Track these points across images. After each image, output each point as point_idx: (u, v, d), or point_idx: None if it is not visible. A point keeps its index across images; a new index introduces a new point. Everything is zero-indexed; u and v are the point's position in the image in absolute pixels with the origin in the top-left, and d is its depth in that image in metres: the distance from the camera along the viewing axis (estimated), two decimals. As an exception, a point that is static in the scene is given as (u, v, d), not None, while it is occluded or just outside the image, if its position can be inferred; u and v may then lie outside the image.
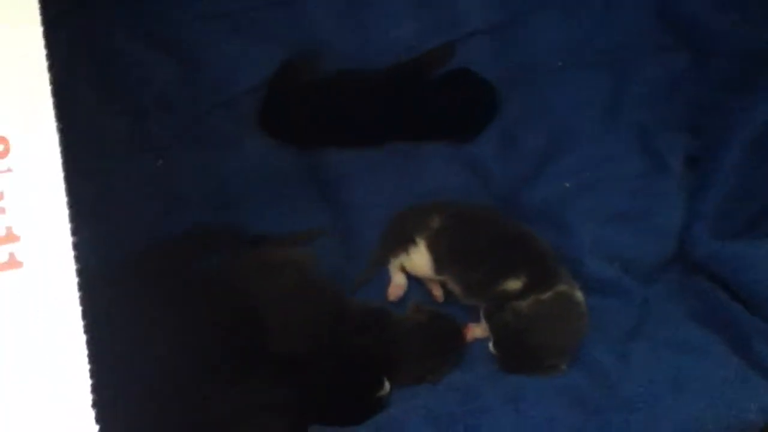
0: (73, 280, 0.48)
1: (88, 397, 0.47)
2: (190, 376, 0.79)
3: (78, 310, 0.48)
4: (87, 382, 0.47)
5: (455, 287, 0.95)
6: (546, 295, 0.88)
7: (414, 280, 0.98)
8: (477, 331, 0.93)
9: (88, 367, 0.47)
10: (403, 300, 0.97)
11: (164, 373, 0.76)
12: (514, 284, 0.90)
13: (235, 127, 1.03)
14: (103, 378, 0.49)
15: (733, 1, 0.96)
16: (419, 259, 0.95)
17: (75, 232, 0.50)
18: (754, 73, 0.96)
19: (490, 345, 0.90)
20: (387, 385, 0.87)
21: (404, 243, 0.95)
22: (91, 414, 0.47)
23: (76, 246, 0.49)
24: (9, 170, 0.49)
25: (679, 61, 1.04)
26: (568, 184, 0.99)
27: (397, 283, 0.97)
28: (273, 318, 0.87)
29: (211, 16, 1.03)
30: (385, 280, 0.98)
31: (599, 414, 0.83)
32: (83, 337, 0.48)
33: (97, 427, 0.46)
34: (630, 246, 0.97)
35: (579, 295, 0.90)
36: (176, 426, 0.75)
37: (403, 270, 0.97)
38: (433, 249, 0.94)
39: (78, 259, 0.49)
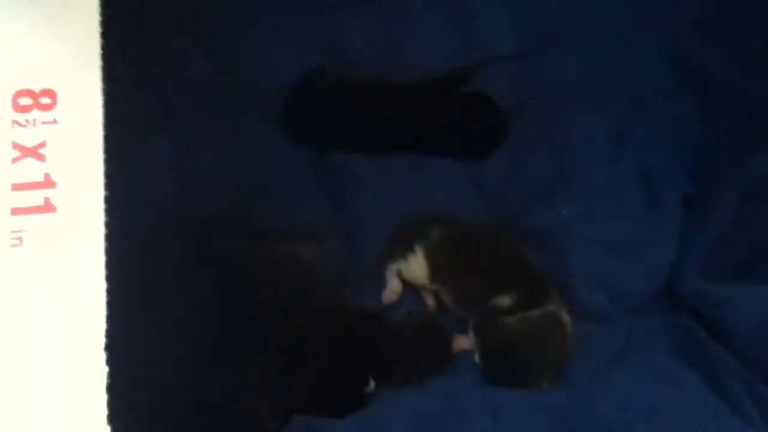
0: (101, 231, 0.51)
1: (102, 341, 0.50)
2: (188, 350, 0.82)
3: (102, 258, 0.51)
4: (102, 326, 0.50)
5: (448, 298, 0.98)
6: (535, 314, 0.91)
7: (409, 288, 1.01)
8: (464, 342, 0.96)
9: (105, 311, 0.50)
10: (396, 305, 1.00)
11: (165, 343, 0.79)
12: (504, 300, 0.93)
13: (257, 124, 1.06)
14: (115, 326, 0.52)
15: (744, 54, 1.00)
16: (416, 267, 0.98)
17: (107, 187, 0.53)
18: (757, 124, 1.00)
19: (476, 356, 0.93)
20: (372, 384, 0.89)
21: (403, 250, 0.98)
22: (103, 357, 0.50)
23: (108, 199, 0.52)
24: (54, 121, 0.53)
25: (685, 105, 1.08)
26: (565, 212, 1.03)
27: (393, 288, 1.00)
28: (273, 308, 0.90)
29: (245, 16, 1.06)
30: (383, 284, 1.01)
31: (575, 432, 0.86)
32: (104, 284, 0.51)
33: (107, 369, 0.49)
34: (621, 277, 1.00)
35: (566, 317, 0.93)
36: (170, 394, 0.78)
37: (400, 276, 1.00)
38: (430, 258, 0.97)
39: (108, 212, 0.52)
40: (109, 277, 0.52)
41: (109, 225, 0.52)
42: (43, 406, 0.48)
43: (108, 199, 0.53)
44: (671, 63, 1.10)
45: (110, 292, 0.52)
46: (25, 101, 0.53)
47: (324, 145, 1.08)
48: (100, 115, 0.53)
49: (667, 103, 1.09)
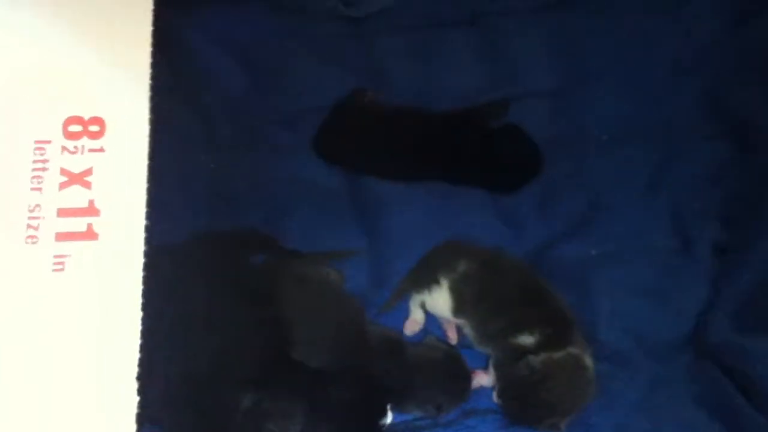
0: (141, 260, 0.52)
1: (135, 368, 0.51)
2: (215, 364, 0.83)
3: (140, 286, 0.52)
4: (136, 352, 0.51)
5: (470, 332, 0.98)
6: (557, 355, 0.91)
7: (432, 318, 1.01)
8: (483, 378, 0.96)
9: (139, 337, 0.51)
10: (417, 335, 1.00)
11: (192, 356, 0.80)
12: (527, 339, 0.93)
13: (292, 143, 1.07)
14: (148, 341, 0.53)
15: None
16: (440, 300, 0.98)
17: (148, 215, 0.54)
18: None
19: (495, 394, 0.93)
20: (390, 415, 0.90)
21: (428, 282, 0.98)
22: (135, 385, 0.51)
23: (148, 228, 0.54)
24: (101, 149, 0.54)
25: (722, 151, 1.07)
26: (594, 252, 1.02)
27: (415, 318, 1.00)
28: (298, 329, 0.91)
29: (288, 39, 1.08)
30: (405, 312, 1.01)
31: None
32: (140, 312, 0.52)
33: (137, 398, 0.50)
34: (647, 322, 1.00)
35: (589, 360, 0.92)
36: (191, 404, 0.79)
37: (423, 307, 1.00)
38: (454, 292, 0.97)
39: (147, 240, 0.53)
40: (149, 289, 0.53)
41: (146, 253, 0.54)
42: (79, 422, 0.49)
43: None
44: (710, 106, 1.09)
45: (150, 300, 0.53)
46: (75, 128, 0.54)
47: (356, 169, 1.09)
48: (146, 145, 0.54)
49: (703, 147, 1.08)
